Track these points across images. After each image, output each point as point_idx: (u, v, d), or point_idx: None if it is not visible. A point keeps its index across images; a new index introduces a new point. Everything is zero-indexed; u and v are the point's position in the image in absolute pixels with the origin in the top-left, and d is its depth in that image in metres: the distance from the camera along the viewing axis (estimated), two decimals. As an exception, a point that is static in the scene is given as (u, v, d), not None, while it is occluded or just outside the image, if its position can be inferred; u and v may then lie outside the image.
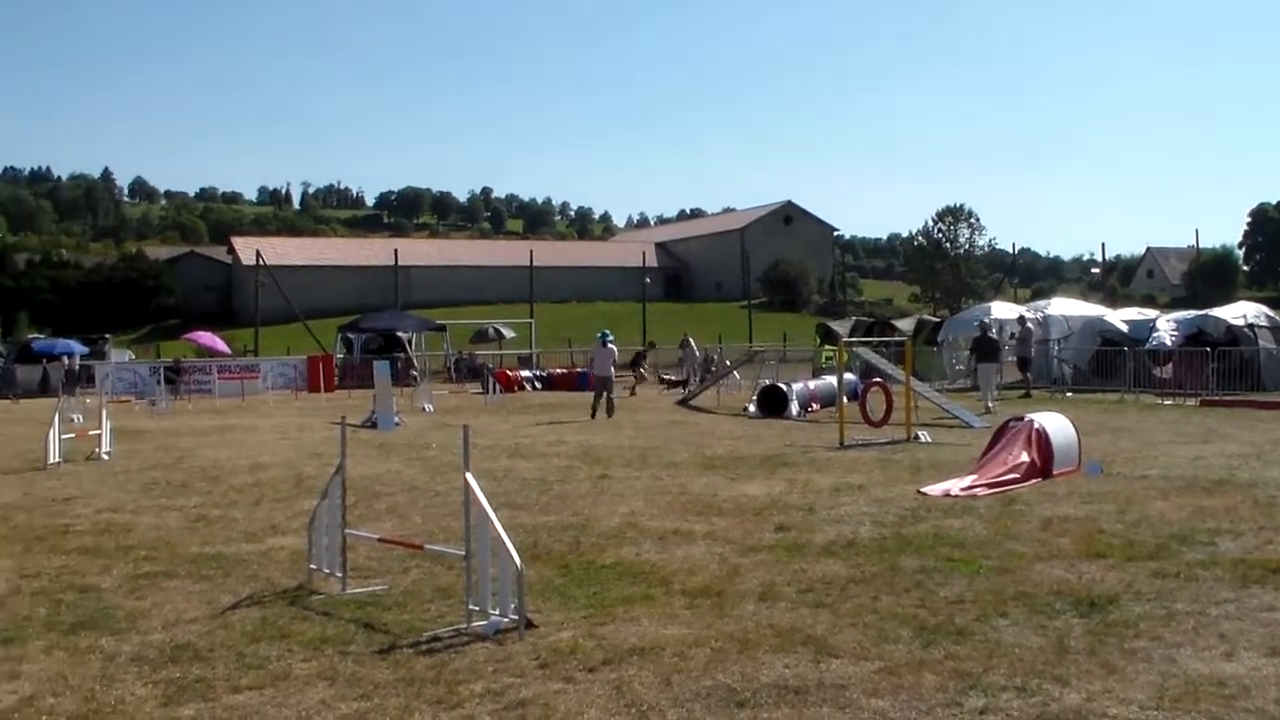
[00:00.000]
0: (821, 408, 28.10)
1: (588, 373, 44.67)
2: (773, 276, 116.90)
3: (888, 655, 6.82)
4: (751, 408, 28.24)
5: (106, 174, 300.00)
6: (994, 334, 31.24)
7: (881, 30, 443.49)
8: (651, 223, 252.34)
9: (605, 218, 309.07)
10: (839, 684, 6.30)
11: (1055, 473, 14.41)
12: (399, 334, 54.10)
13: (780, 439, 21.06)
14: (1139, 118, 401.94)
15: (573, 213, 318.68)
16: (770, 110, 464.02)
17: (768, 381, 29.96)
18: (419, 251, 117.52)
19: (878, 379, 24.25)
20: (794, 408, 27.00)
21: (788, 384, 28.74)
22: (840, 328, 46.83)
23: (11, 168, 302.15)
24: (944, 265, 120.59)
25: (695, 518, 12.16)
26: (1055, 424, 15.10)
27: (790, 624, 7.59)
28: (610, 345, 29.75)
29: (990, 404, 27.22)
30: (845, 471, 15.86)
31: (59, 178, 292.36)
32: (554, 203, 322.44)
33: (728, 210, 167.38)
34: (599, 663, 6.81)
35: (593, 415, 27.71)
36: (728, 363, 40.16)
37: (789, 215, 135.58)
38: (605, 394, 28.49)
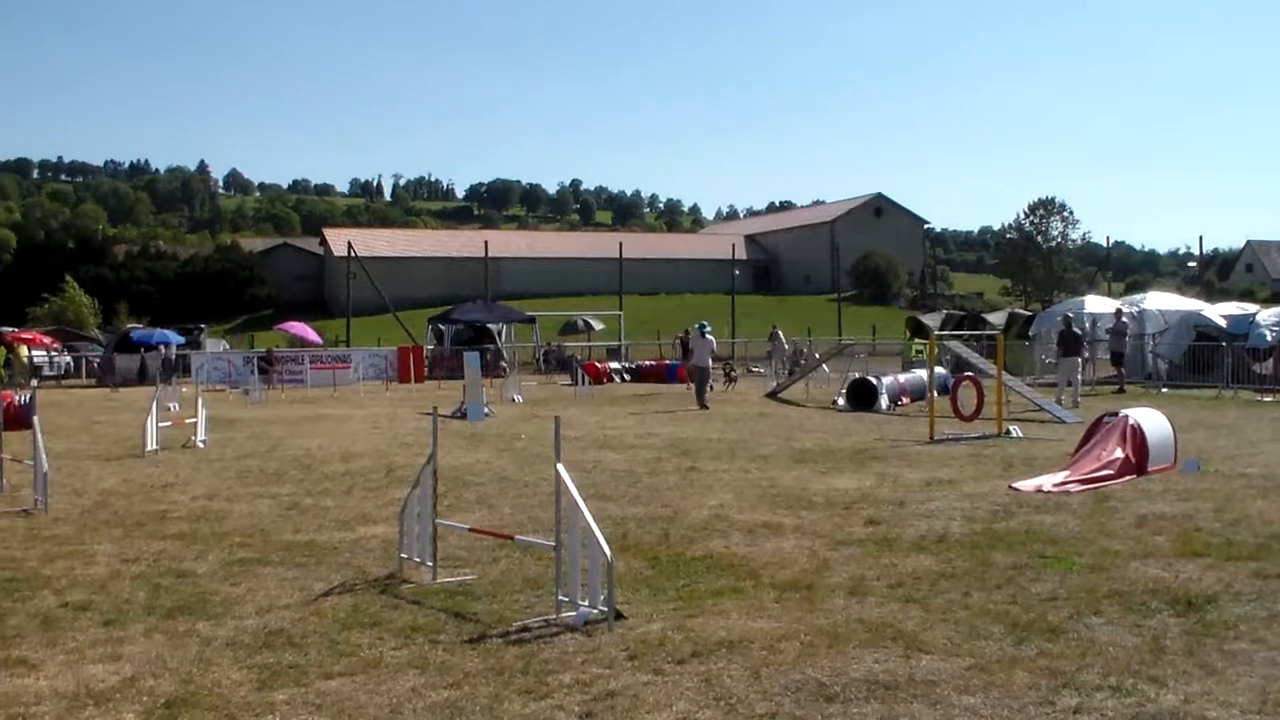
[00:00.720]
0: (911, 401, 27.90)
1: (676, 364, 44.92)
2: (862, 269, 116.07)
3: (979, 652, 6.76)
4: (841, 401, 28.09)
5: (202, 167, 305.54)
6: (1078, 328, 30.79)
7: (973, 22, 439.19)
8: (740, 215, 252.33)
9: (694, 210, 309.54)
10: (929, 680, 6.25)
11: (1151, 469, 14.20)
12: (489, 325, 54.37)
13: (870, 432, 20.94)
14: (1238, 109, 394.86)
15: (662, 205, 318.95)
16: (861, 102, 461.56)
17: (857, 374, 29.79)
18: (508, 243, 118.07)
19: (969, 373, 24.02)
20: (883, 401, 26.83)
21: (877, 377, 28.57)
22: (930, 321, 46.47)
23: (111, 161, 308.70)
24: (1036, 258, 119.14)
25: (785, 511, 12.12)
26: (1151, 420, 14.86)
27: (880, 619, 7.54)
28: (709, 336, 30.02)
29: (1062, 398, 26.81)
30: (936, 466, 15.74)
31: (157, 170, 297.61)
32: (643, 195, 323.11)
33: (817, 203, 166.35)
34: (688, 655, 6.81)
35: (702, 405, 28.20)
36: (816, 356, 39.96)
37: (879, 208, 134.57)
38: (702, 384, 28.93)
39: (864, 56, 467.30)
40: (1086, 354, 31.87)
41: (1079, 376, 28.99)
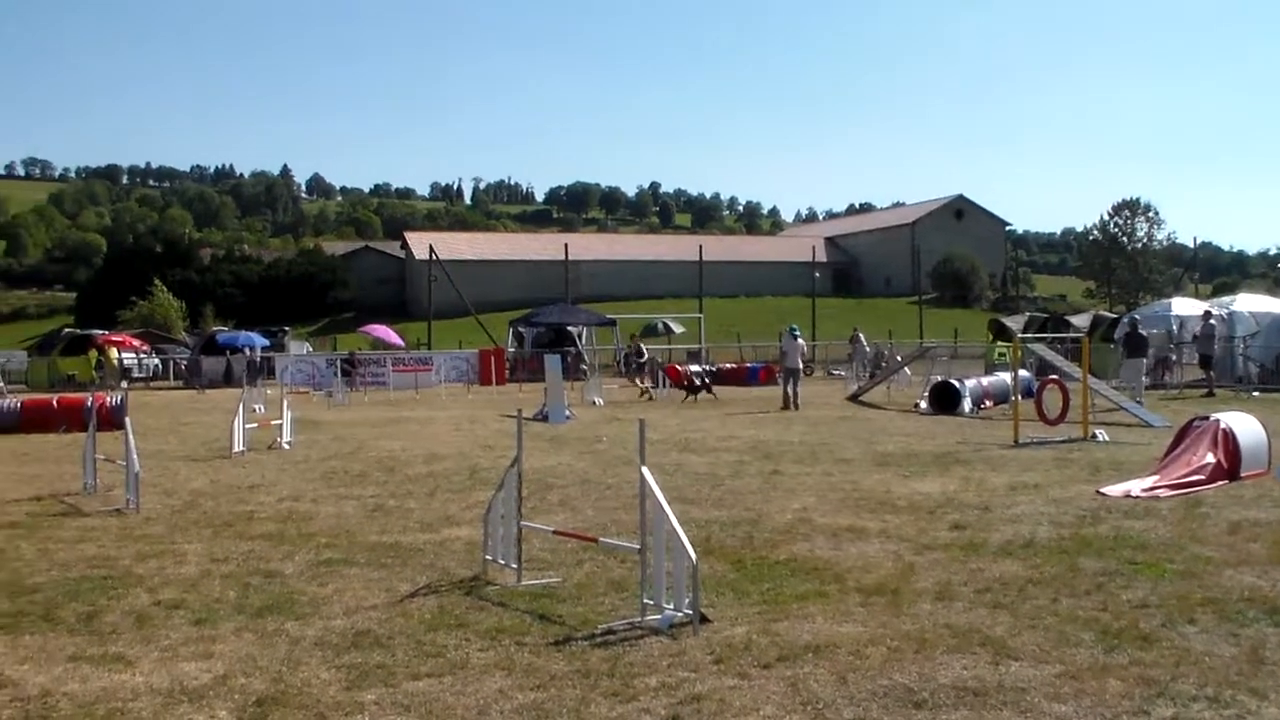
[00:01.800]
0: (994, 405, 27.64)
1: (757, 367, 44.86)
2: (943, 271, 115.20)
3: (1069, 659, 6.68)
4: (923, 404, 27.90)
5: (286, 171, 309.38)
6: (1144, 330, 30.43)
7: (1055, 21, 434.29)
8: (820, 217, 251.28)
9: (774, 212, 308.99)
10: (1019, 687, 6.18)
11: (1243, 475, 13.95)
12: (569, 328, 54.53)
13: (953, 436, 20.78)
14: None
15: (741, 207, 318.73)
16: (941, 103, 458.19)
17: (939, 377, 29.57)
18: (588, 246, 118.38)
19: (1054, 376, 23.75)
20: (966, 404, 26.60)
21: (960, 380, 28.34)
22: (1013, 324, 45.98)
23: (197, 166, 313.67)
24: (1120, 260, 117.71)
25: (868, 515, 12.06)
26: (1243, 424, 14.60)
27: (968, 624, 7.48)
28: (799, 339, 30.51)
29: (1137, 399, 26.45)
30: (1020, 470, 15.58)
31: (241, 175, 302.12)
32: (722, 197, 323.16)
33: (897, 204, 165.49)
34: (773, 659, 6.79)
35: (794, 406, 28.61)
36: (898, 358, 39.69)
37: (960, 209, 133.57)
38: (793, 385, 29.34)
39: (945, 57, 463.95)
40: (1151, 355, 31.48)
41: (1143, 379, 28.63)
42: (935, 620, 7.62)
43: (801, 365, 31.13)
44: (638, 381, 37.74)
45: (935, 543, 10.35)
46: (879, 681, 6.34)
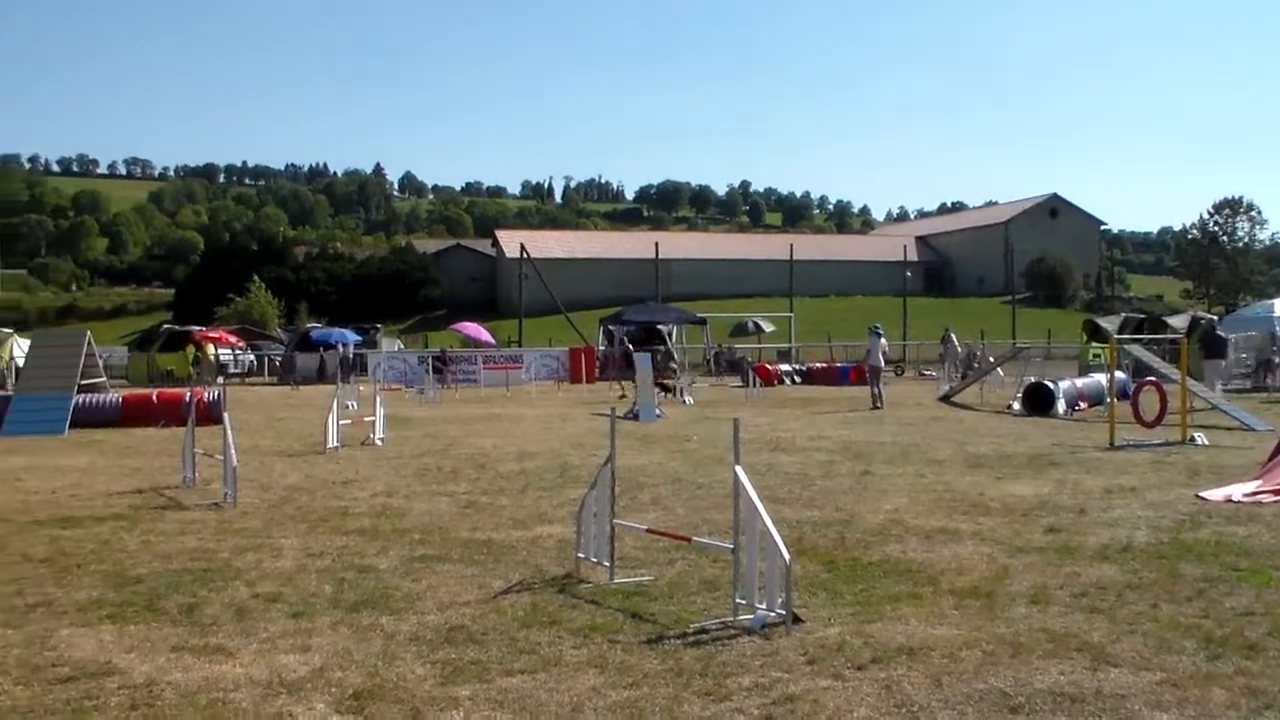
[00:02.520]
0: (1089, 407, 27.30)
1: (848, 367, 44.66)
2: (1037, 271, 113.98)
3: (1170, 667, 6.57)
4: (1016, 405, 27.61)
5: (379, 170, 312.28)
6: (1222, 332, 29.93)
7: (1154, 16, 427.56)
8: (911, 216, 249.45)
9: (864, 211, 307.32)
10: (1118, 694, 6.10)
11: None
12: (659, 326, 54.56)
13: (1046, 438, 20.54)
14: None
15: (831, 206, 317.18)
16: (1035, 101, 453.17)
17: (1033, 379, 29.24)
18: (678, 245, 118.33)
19: (1151, 378, 23.40)
20: (1060, 406, 26.27)
21: (1054, 381, 28.00)
22: (1108, 324, 45.32)
23: (292, 164, 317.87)
24: (1220, 260, 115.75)
25: (961, 516, 11.96)
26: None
27: (1064, 629, 7.39)
28: (881, 338, 30.82)
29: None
30: (1117, 473, 15.36)
31: (334, 174, 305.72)
32: (813, 196, 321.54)
33: (990, 204, 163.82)
34: (867, 661, 6.75)
35: (878, 405, 28.74)
36: (990, 359, 39.30)
37: (1054, 208, 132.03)
38: (877, 384, 29.71)
39: (1038, 54, 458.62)
40: (1230, 356, 30.94)
41: (1219, 381, 28.13)
42: (1031, 624, 7.53)
43: (882, 364, 31.10)
44: (621, 384, 37.25)
45: (1030, 545, 10.23)
46: (974, 685, 6.29)
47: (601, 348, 53.45)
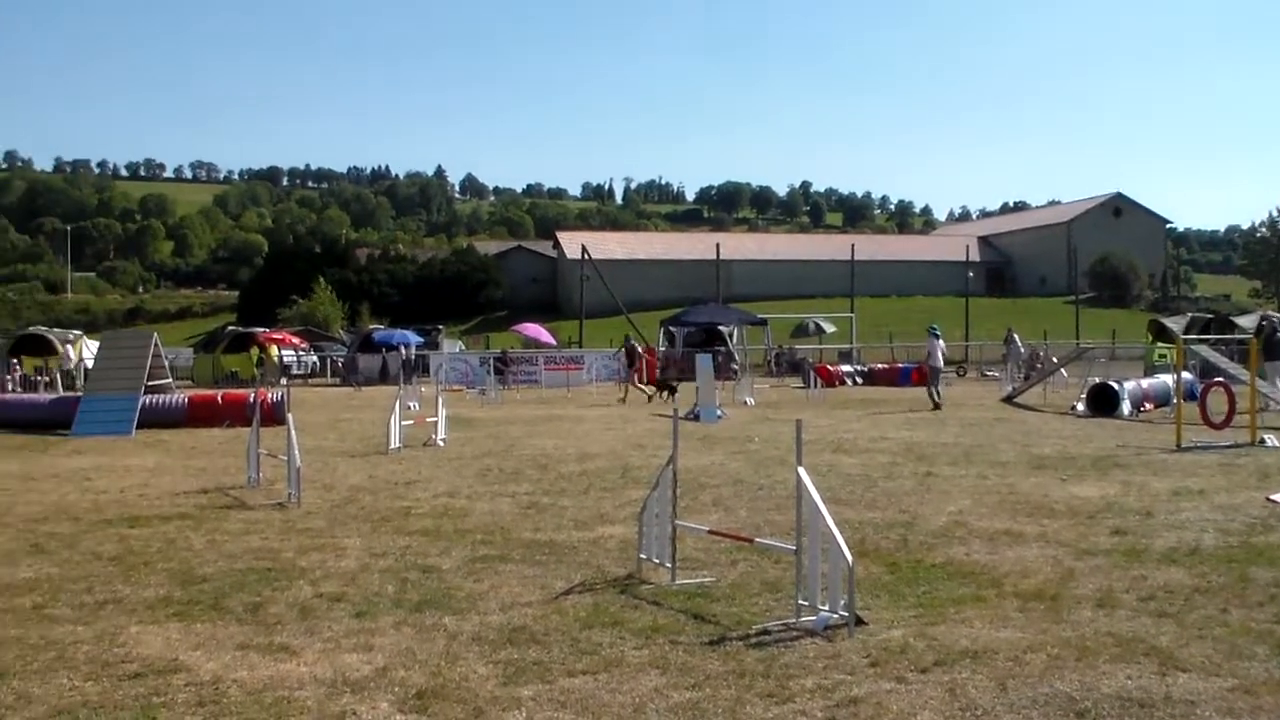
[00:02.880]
0: (1155, 408, 26.99)
1: (909, 368, 44.42)
2: (1100, 271, 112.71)
3: (1242, 673, 6.47)
4: (1080, 406, 27.35)
5: (440, 172, 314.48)
6: None
7: (1219, 7, 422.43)
8: (973, 216, 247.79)
9: (926, 211, 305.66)
10: (1188, 700, 6.01)
11: None
12: (720, 327, 54.46)
13: (1111, 439, 20.33)
14: None
15: (892, 206, 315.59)
16: (1098, 98, 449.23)
17: (1097, 379, 28.96)
18: (739, 246, 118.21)
19: (1219, 378, 23.10)
20: (1125, 407, 25.98)
21: (1119, 382, 27.71)
22: (1174, 324, 44.77)
23: (354, 167, 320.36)
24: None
25: (1025, 518, 11.85)
26: None
27: (1131, 633, 7.30)
28: (939, 338, 30.59)
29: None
30: (1184, 475, 15.17)
31: (396, 176, 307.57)
32: (874, 196, 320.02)
33: (1053, 203, 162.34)
34: (931, 663, 6.71)
35: (938, 405, 28.77)
36: (1054, 360, 38.96)
37: (1118, 207, 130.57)
38: (933, 384, 29.70)
39: (1102, 50, 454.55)
40: None
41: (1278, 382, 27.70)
42: (1097, 628, 7.45)
43: (942, 364, 31.04)
44: (628, 387, 37.02)
45: (1095, 548, 10.13)
46: (1040, 689, 6.23)
47: (662, 349, 53.41)
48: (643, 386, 35.94)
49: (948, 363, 35.54)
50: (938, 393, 29.46)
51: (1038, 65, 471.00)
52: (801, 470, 7.77)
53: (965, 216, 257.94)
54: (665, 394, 33.41)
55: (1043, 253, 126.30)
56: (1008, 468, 16.29)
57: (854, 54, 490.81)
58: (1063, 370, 35.67)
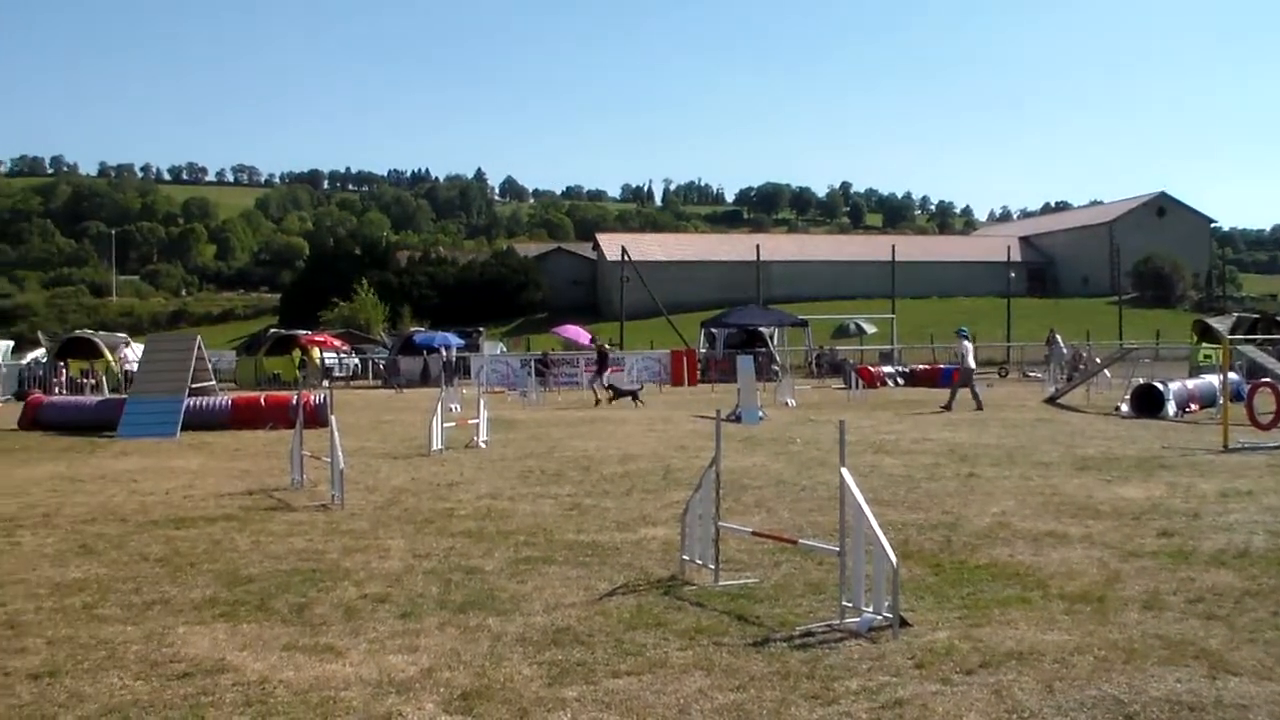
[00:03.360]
0: (1201, 409, 26.79)
1: (950, 369, 44.29)
2: (1144, 271, 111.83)
3: (1294, 676, 6.42)
4: (1124, 407, 27.16)
5: (480, 174, 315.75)
6: None
7: (1262, 8, 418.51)
8: (1014, 216, 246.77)
9: (966, 211, 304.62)
10: (1239, 704, 5.96)
11: None
12: (760, 329, 54.43)
13: (1156, 440, 20.19)
14: None
15: (933, 207, 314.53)
16: (1142, 96, 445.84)
17: (1142, 380, 28.76)
18: (778, 247, 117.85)
19: (1266, 379, 22.91)
20: (1170, 408, 25.79)
21: (1164, 382, 27.50)
22: (1219, 324, 44.40)
23: (395, 170, 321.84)
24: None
25: (1070, 520, 11.79)
26: None
27: (1180, 635, 7.24)
28: (967, 341, 30.72)
29: None
30: (1231, 476, 15.05)
31: (436, 179, 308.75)
32: (914, 197, 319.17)
33: (1095, 203, 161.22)
34: (976, 665, 6.68)
35: (950, 408, 28.92)
36: (1098, 360, 38.71)
37: (1162, 207, 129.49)
38: (969, 386, 29.66)
39: (1145, 47, 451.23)
40: None
41: None
42: (1144, 630, 7.40)
43: (974, 365, 31.00)
44: (596, 389, 37.00)
45: (1142, 550, 10.06)
46: (1087, 692, 6.19)
47: (703, 350, 53.42)
48: (599, 390, 35.95)
49: (989, 364, 35.39)
50: (955, 395, 29.59)
51: (1080, 63, 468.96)
52: (845, 471, 7.75)
53: (1006, 217, 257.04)
54: (626, 399, 33.48)
55: (1085, 253, 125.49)
56: (1051, 469, 16.20)
57: (894, 53, 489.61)
58: (1106, 371, 35.44)
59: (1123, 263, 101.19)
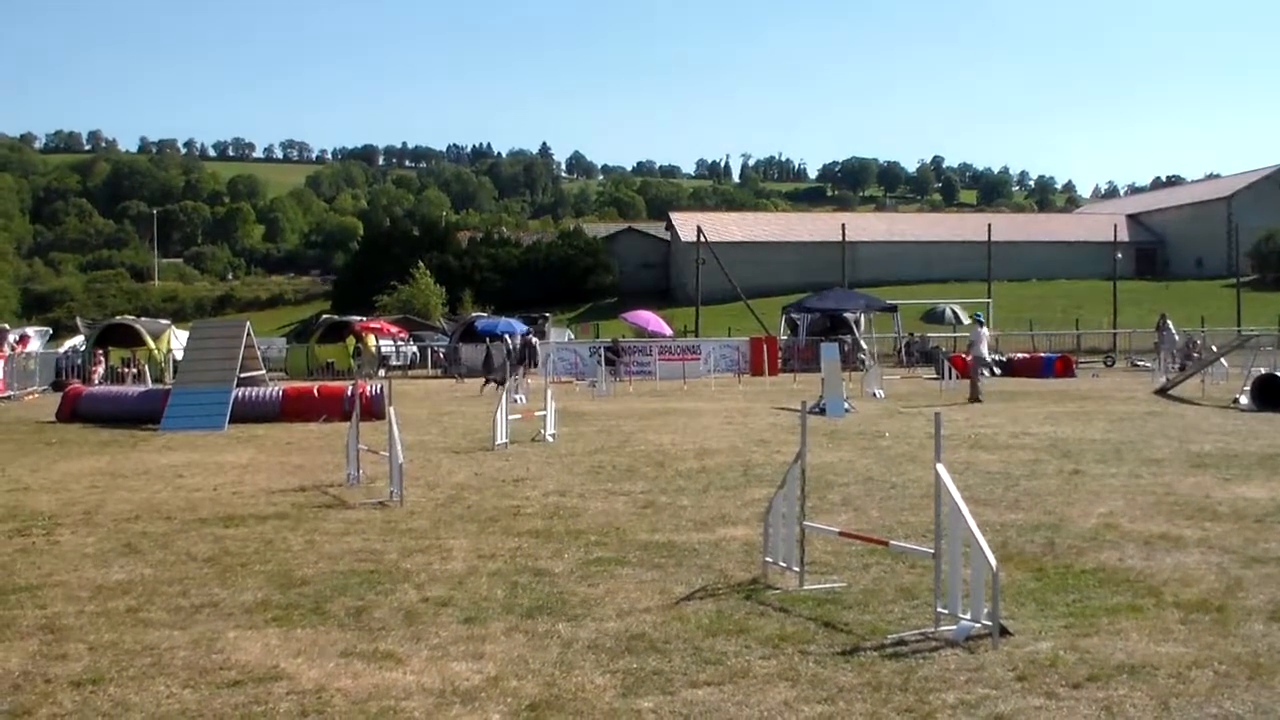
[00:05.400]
0: (1329, 401, 26.36)
1: (1053, 357, 43.92)
2: (1265, 251, 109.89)
3: None
4: (1243, 399, 26.81)
5: (545, 150, 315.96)
6: None
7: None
8: (1121, 192, 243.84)
9: (1069, 187, 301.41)
10: (1373, 721, 5.88)
11: None
12: (846, 314, 54.20)
13: (1280, 435, 19.93)
14: None
15: (1032, 183, 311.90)
16: (1260, 62, 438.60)
17: (1263, 370, 28.36)
18: (865, 226, 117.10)
19: (1400, 369, 22.52)
20: (1295, 400, 25.42)
21: (1288, 373, 27.10)
22: (1352, 309, 43.76)
23: (454, 145, 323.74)
24: None
25: (1185, 521, 11.67)
26: None
27: (1310, 649, 7.16)
28: (984, 326, 31.68)
29: None
30: (1365, 475, 14.84)
31: (499, 154, 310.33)
32: (1011, 172, 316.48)
33: (1211, 177, 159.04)
34: (1083, 679, 6.63)
35: (976, 399, 29.42)
36: (1214, 348, 38.22)
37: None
38: (974, 374, 30.50)
39: (1260, 11, 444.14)
40: None
41: None
42: (1270, 643, 7.31)
43: (986, 354, 31.76)
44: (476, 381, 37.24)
45: (1266, 555, 9.94)
46: (1206, 710, 6.13)
47: (784, 337, 53.28)
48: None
49: (1094, 352, 35.04)
50: (979, 385, 29.92)
51: (1190, 25, 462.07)
52: (940, 467, 7.72)
53: (1112, 193, 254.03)
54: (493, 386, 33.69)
55: (1199, 232, 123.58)
56: (1163, 466, 16.04)
57: (988, 19, 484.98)
58: (1223, 360, 34.98)
59: (1241, 242, 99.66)
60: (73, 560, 10.44)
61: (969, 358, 31.67)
